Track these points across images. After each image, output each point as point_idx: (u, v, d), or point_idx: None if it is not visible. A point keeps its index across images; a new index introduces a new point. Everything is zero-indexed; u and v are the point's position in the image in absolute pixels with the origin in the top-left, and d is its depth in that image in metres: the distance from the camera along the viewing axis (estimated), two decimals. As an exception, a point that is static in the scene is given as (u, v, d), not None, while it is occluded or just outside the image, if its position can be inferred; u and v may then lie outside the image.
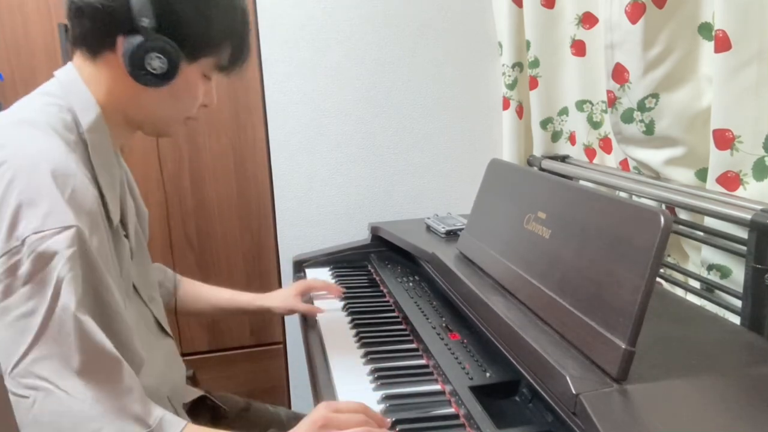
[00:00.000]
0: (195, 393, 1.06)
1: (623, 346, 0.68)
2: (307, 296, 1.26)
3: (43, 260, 0.65)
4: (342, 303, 1.26)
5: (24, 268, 0.64)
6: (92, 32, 0.76)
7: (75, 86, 0.78)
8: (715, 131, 0.96)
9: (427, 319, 1.12)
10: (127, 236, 0.86)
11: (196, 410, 1.05)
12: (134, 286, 0.88)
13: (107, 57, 0.77)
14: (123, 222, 0.86)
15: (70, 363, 0.65)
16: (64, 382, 0.64)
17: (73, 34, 0.78)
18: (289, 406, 1.75)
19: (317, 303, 1.25)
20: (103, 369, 0.67)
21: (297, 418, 1.16)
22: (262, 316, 1.22)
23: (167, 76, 0.76)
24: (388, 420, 0.80)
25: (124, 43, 0.75)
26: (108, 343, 0.68)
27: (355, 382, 0.93)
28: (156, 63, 0.75)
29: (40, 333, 0.64)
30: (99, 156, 0.77)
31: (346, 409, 0.76)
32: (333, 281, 1.40)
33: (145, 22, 0.73)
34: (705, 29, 1.04)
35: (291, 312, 1.22)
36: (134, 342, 0.74)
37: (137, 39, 0.74)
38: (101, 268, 0.69)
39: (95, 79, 0.79)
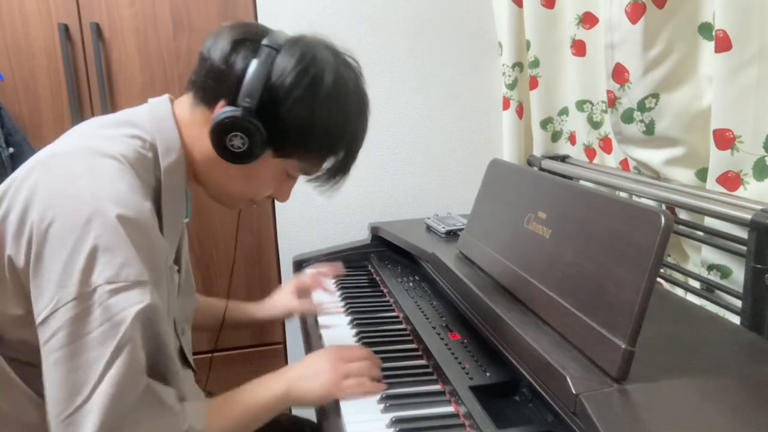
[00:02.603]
0: None
1: (623, 346, 0.68)
2: (304, 292, 1.23)
3: (113, 312, 0.63)
4: (342, 303, 1.25)
5: (93, 317, 0.63)
6: (204, 84, 0.76)
7: (165, 123, 0.77)
8: (715, 131, 0.96)
9: (427, 319, 1.12)
10: (179, 271, 0.85)
11: None
12: (174, 320, 0.87)
13: (206, 113, 0.76)
14: (177, 258, 0.85)
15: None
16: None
17: (191, 77, 0.78)
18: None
19: (322, 321, 1.19)
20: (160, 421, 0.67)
21: (298, 422, 1.16)
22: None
23: (243, 158, 0.75)
24: (380, 360, 0.92)
25: (217, 110, 0.74)
26: (170, 397, 0.69)
27: (355, 382, 0.92)
28: (237, 142, 0.73)
29: (105, 369, 0.63)
30: (169, 197, 0.76)
31: (353, 347, 0.93)
32: (333, 281, 1.40)
33: (247, 101, 0.72)
34: (705, 29, 1.04)
35: (289, 314, 1.20)
36: (183, 389, 0.74)
37: (233, 111, 0.73)
38: (164, 319, 0.69)
39: (187, 126, 0.78)
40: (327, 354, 0.89)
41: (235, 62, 0.73)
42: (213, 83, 0.75)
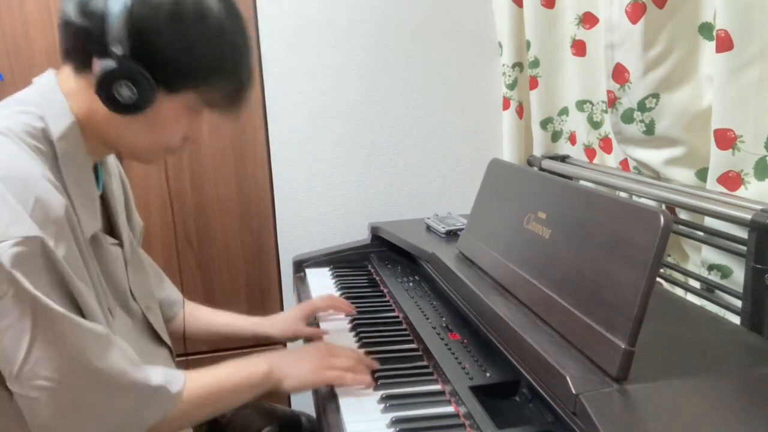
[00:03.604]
0: None
1: (623, 346, 0.68)
2: (312, 319, 1.21)
3: (8, 270, 0.64)
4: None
5: None
6: (74, 48, 0.74)
7: (52, 95, 0.76)
8: (716, 131, 0.96)
9: (427, 319, 1.12)
10: (121, 245, 0.86)
11: None
12: (132, 295, 0.88)
13: (88, 76, 0.74)
14: (114, 232, 0.85)
15: (68, 358, 0.67)
16: (68, 376, 0.67)
17: (60, 46, 0.76)
18: (289, 406, 1.75)
19: (323, 325, 1.18)
20: (99, 351, 0.70)
21: (294, 415, 1.16)
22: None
23: (138, 106, 0.73)
24: (376, 363, 0.94)
25: (96, 65, 0.72)
26: (94, 325, 0.70)
27: (355, 382, 0.92)
28: (125, 92, 0.71)
29: (33, 337, 0.65)
30: (69, 166, 0.74)
31: (343, 347, 0.94)
32: (333, 281, 1.40)
33: (118, 48, 0.69)
34: (705, 29, 1.04)
35: (294, 338, 1.18)
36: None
37: (108, 64, 0.70)
38: (69, 275, 0.69)
39: (75, 95, 0.76)
40: (317, 346, 0.94)
41: (92, 14, 0.70)
42: (81, 43, 0.73)
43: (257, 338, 1.18)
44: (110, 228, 0.88)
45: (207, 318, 1.16)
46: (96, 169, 0.85)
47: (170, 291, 1.13)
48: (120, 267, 0.84)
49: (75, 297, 0.70)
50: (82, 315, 0.70)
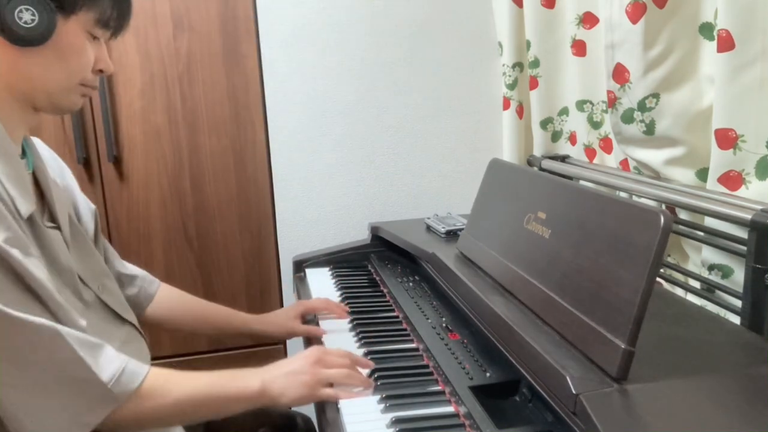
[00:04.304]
0: None
1: (623, 346, 0.68)
2: (310, 316, 1.21)
3: None
4: (342, 303, 1.25)
5: None
6: None
7: None
8: (717, 131, 0.96)
9: (427, 319, 1.12)
10: (59, 228, 0.83)
11: None
12: (80, 277, 0.85)
13: None
14: (51, 214, 0.83)
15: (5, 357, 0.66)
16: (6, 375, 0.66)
17: None
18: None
19: (322, 323, 1.17)
20: (42, 347, 0.68)
21: (289, 416, 1.16)
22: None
23: (42, 31, 0.72)
24: (371, 362, 0.93)
25: None
26: (36, 320, 0.68)
27: (354, 382, 0.92)
28: (27, 16, 0.71)
29: None
30: None
31: (336, 353, 0.91)
32: (333, 281, 1.40)
33: None
34: (706, 29, 1.04)
35: (290, 336, 1.19)
36: (72, 315, 0.74)
37: None
38: (15, 256, 0.67)
39: None
40: (307, 356, 0.88)
41: None
42: None
43: (253, 335, 1.18)
44: (47, 211, 0.85)
45: (206, 310, 1.15)
46: (23, 153, 0.83)
47: (137, 270, 1.11)
48: (62, 250, 0.82)
49: (24, 278, 0.68)
50: (39, 299, 0.69)
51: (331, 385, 0.87)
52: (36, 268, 0.70)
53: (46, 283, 0.71)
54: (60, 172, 0.96)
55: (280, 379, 0.84)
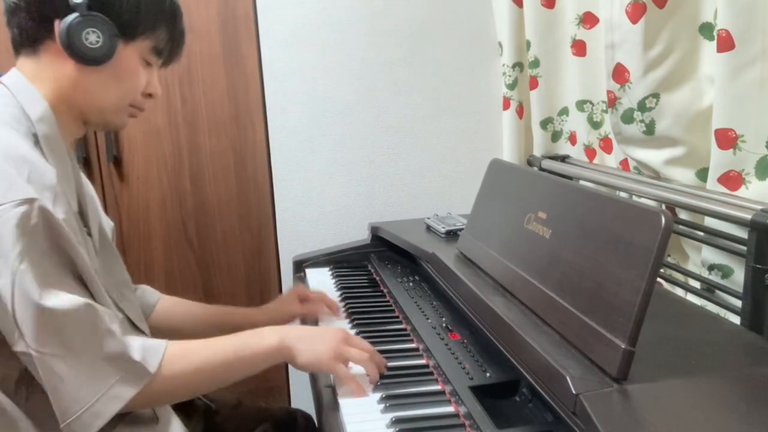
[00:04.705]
0: None
1: (623, 346, 0.68)
2: (305, 297, 1.22)
3: (12, 229, 0.67)
4: (342, 303, 1.25)
5: None
6: (30, 23, 0.79)
7: (20, 85, 0.80)
8: (717, 131, 0.96)
9: (427, 319, 1.12)
10: (90, 234, 0.87)
11: (187, 409, 1.05)
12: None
13: (48, 46, 0.80)
14: (84, 219, 0.87)
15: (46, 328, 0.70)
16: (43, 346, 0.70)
17: (13, 36, 0.82)
18: (289, 404, 1.75)
19: (322, 322, 1.19)
20: (78, 325, 0.72)
21: (290, 413, 1.16)
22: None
23: (105, 52, 0.79)
24: (386, 362, 0.93)
25: (61, 25, 0.77)
26: (75, 298, 0.72)
27: (354, 382, 0.92)
28: (92, 37, 0.78)
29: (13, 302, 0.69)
30: (50, 148, 0.78)
31: (360, 339, 0.94)
32: (333, 281, 1.40)
33: (76, 1, 0.76)
34: (706, 29, 1.04)
35: (292, 318, 1.20)
36: (106, 298, 0.79)
37: (72, 16, 0.77)
38: (70, 236, 0.72)
39: (39, 75, 0.81)
40: (335, 331, 0.92)
41: None
42: (38, 12, 0.78)
43: (256, 327, 1.18)
44: (81, 216, 0.89)
45: (206, 314, 1.16)
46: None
47: (140, 286, 1.14)
48: (92, 256, 0.85)
49: (73, 259, 0.73)
50: (80, 279, 0.74)
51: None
52: (83, 249, 0.75)
53: (89, 264, 0.76)
54: (87, 185, 0.98)
55: (302, 341, 0.88)
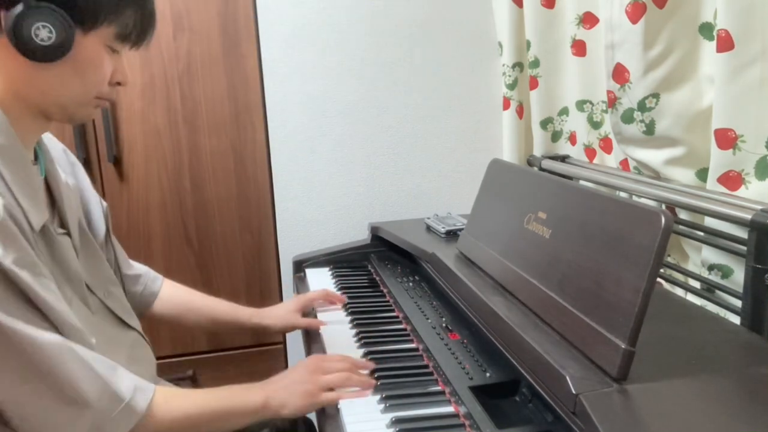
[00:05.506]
0: None
1: (623, 346, 0.68)
2: (309, 309, 1.22)
3: None
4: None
5: None
6: None
7: None
8: (717, 131, 0.96)
9: (427, 319, 1.12)
10: (68, 234, 0.83)
11: None
12: (87, 285, 0.85)
13: None
14: (62, 220, 0.83)
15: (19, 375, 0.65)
16: (20, 393, 0.65)
17: None
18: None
19: (320, 316, 1.20)
20: (53, 363, 0.67)
21: (290, 418, 1.16)
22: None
23: (60, 48, 0.70)
24: (371, 363, 0.94)
25: (6, 18, 0.68)
26: (48, 335, 0.67)
27: (355, 382, 0.92)
28: (43, 33, 0.68)
29: None
30: (6, 159, 0.70)
31: (334, 358, 0.93)
32: (333, 281, 1.40)
33: None
34: (706, 29, 1.04)
35: (291, 329, 1.20)
36: (84, 335, 0.73)
37: (18, 8, 0.67)
38: (23, 281, 0.66)
39: None
40: (306, 365, 0.90)
41: None
42: None
43: (254, 328, 1.18)
44: (57, 216, 0.84)
45: (207, 305, 1.16)
46: (35, 157, 0.82)
47: (141, 267, 1.12)
48: (71, 257, 0.81)
49: (33, 302, 0.67)
50: (46, 318, 0.68)
51: (332, 390, 0.87)
52: (46, 289, 0.68)
53: (55, 304, 0.69)
54: (71, 170, 0.95)
55: (281, 391, 0.85)
